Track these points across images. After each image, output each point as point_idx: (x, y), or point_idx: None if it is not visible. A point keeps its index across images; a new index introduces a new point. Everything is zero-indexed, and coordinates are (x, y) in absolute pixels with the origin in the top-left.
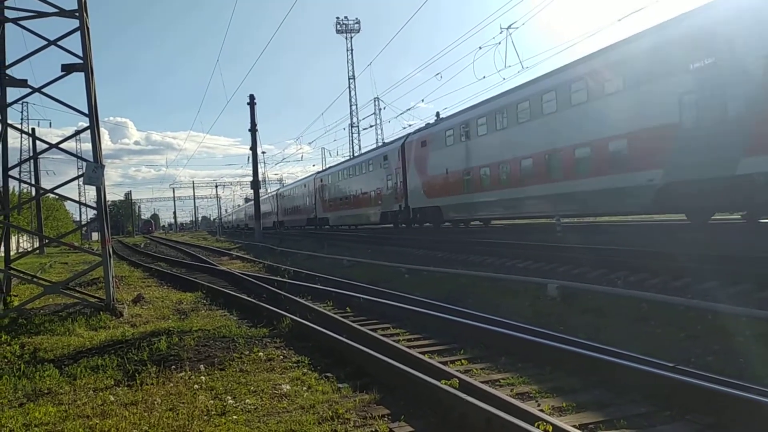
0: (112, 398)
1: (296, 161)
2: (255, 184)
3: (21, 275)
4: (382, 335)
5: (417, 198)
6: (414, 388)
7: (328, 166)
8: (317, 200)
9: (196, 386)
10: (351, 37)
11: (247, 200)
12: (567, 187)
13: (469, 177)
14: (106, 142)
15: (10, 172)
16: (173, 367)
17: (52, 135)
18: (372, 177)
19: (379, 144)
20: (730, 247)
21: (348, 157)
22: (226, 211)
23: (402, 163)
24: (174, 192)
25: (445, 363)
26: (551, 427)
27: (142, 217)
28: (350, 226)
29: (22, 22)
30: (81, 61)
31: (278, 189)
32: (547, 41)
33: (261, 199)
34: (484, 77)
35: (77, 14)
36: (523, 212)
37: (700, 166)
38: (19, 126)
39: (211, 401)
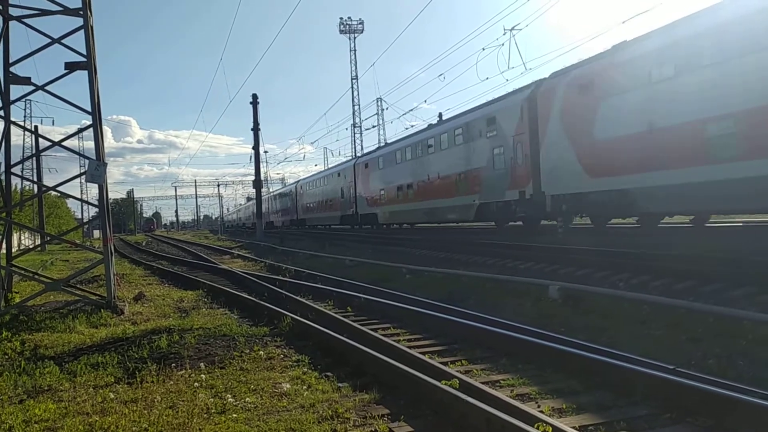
0: (112, 395)
1: (298, 161)
2: (257, 183)
3: (22, 272)
4: (383, 335)
5: (566, 178)
6: (414, 388)
7: (378, 146)
8: (358, 192)
9: (196, 384)
10: (354, 38)
11: (249, 199)
12: None
13: None
14: (109, 141)
15: (13, 170)
16: (173, 365)
17: (55, 133)
18: (461, 153)
19: (381, 144)
20: (734, 249)
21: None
22: (227, 209)
23: (528, 123)
24: (176, 190)
25: (445, 363)
26: (551, 429)
27: (144, 215)
28: (402, 224)
29: (26, 20)
30: (84, 60)
31: (298, 180)
32: (554, 41)
33: (274, 193)
34: (487, 78)
35: (81, 12)
36: None
37: None
38: (22, 123)
39: (211, 399)
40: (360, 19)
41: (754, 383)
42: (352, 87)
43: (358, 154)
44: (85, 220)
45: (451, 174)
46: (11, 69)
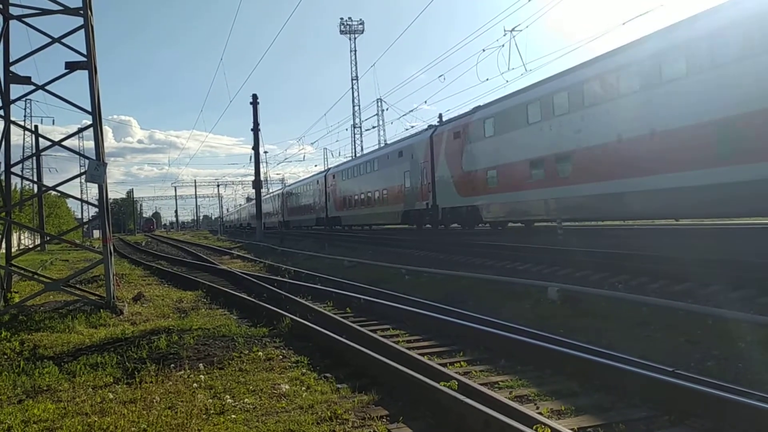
0: (111, 396)
1: (298, 161)
2: (257, 184)
3: (22, 272)
4: (382, 336)
5: None
6: (413, 390)
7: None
8: (438, 175)
9: (195, 385)
10: (355, 38)
11: (249, 199)
12: None
13: None
14: (110, 140)
15: (13, 169)
16: (172, 365)
17: (56, 132)
18: (740, 77)
19: (382, 144)
20: (732, 251)
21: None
22: (227, 210)
23: None
24: (176, 190)
25: (444, 365)
26: (549, 430)
27: (144, 215)
28: (505, 222)
29: (26, 20)
30: (85, 59)
31: (328, 169)
32: (555, 42)
33: (291, 188)
34: (487, 79)
35: (81, 12)
36: None
37: None
38: (22, 123)
39: (210, 400)
40: (360, 19)
41: (752, 385)
42: (353, 87)
43: (359, 154)
44: (84, 220)
45: (700, 125)
46: (11, 68)
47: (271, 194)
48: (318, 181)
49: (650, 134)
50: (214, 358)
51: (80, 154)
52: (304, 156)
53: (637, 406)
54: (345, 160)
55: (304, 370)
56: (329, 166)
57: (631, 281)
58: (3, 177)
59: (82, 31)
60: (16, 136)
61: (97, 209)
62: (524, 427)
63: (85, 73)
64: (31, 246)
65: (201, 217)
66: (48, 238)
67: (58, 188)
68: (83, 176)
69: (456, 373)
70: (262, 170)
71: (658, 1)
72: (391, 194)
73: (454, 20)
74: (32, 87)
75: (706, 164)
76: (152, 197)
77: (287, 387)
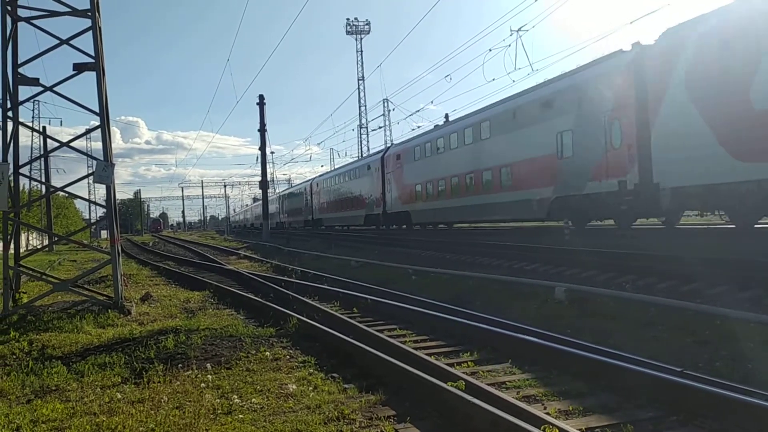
0: (119, 396)
1: (305, 161)
2: (263, 184)
3: (30, 272)
4: (389, 336)
5: None
6: (420, 390)
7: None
8: (652, 135)
9: (202, 385)
10: (361, 39)
11: (255, 200)
12: None
13: None
14: (118, 141)
15: (21, 170)
16: (180, 365)
17: (64, 133)
18: None
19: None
20: (740, 252)
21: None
22: (234, 210)
23: None
24: (183, 191)
25: (451, 365)
26: (557, 431)
27: (151, 215)
28: None
29: (34, 21)
30: (93, 61)
31: (386, 149)
32: (561, 42)
33: (326, 177)
34: (493, 79)
35: (89, 14)
36: None
37: None
38: (30, 124)
39: (218, 400)
40: (366, 20)
41: (761, 385)
42: (359, 88)
43: (365, 154)
44: (92, 221)
45: None
46: (20, 70)
47: (294, 188)
48: (369, 166)
49: None
50: (222, 358)
51: (88, 155)
52: (310, 156)
53: (644, 407)
54: (350, 159)
55: (311, 370)
56: (387, 145)
57: (638, 281)
58: (12, 178)
59: (90, 32)
60: (25, 137)
61: (104, 210)
62: (532, 428)
63: (93, 74)
64: (39, 246)
65: (208, 218)
66: (56, 239)
67: (66, 189)
68: (91, 177)
69: (463, 373)
70: (268, 171)
71: (665, 0)
72: (520, 173)
73: (460, 20)
74: (40, 88)
75: None
76: (159, 198)
77: (294, 387)
